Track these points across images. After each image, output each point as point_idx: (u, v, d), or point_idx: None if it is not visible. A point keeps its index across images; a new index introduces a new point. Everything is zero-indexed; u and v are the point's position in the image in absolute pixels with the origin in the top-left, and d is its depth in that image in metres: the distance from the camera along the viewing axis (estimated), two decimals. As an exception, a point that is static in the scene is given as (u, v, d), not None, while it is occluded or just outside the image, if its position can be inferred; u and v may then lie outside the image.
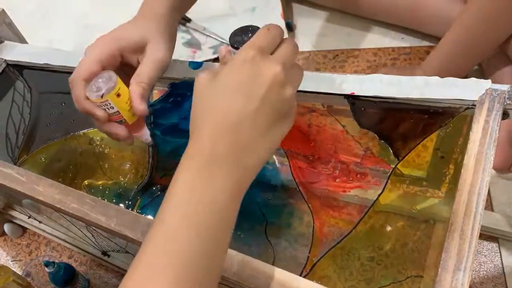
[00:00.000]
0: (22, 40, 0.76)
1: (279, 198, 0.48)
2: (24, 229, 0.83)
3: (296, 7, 1.03)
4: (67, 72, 0.67)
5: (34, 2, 1.22)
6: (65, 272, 0.70)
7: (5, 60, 0.71)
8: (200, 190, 0.37)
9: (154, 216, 0.48)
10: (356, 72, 0.89)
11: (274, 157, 0.50)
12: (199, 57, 0.98)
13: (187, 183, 0.37)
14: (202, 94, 0.40)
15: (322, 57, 0.92)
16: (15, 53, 0.72)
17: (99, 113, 0.48)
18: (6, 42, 0.73)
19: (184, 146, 0.54)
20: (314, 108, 0.52)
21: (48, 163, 0.57)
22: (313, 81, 0.53)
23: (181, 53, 1.00)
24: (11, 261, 0.81)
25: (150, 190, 0.51)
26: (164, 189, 0.51)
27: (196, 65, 0.57)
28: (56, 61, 0.67)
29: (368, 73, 0.85)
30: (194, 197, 0.37)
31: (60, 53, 0.68)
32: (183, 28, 1.04)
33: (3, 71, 0.71)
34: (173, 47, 0.52)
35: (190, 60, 0.93)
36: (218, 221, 0.37)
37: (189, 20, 1.04)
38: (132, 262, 0.36)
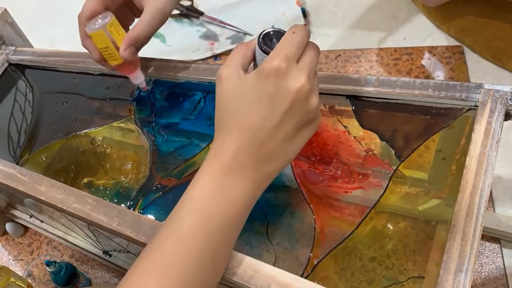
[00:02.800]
0: (24, 40, 0.76)
1: (281, 198, 0.47)
2: (26, 229, 0.83)
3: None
4: (69, 71, 0.67)
5: (36, 1, 1.22)
6: (66, 272, 0.70)
7: (8, 59, 0.71)
8: (217, 197, 0.38)
9: (155, 216, 0.48)
10: (358, 72, 0.89)
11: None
12: (218, 49, 0.98)
13: (205, 189, 0.39)
14: (228, 96, 0.40)
15: (324, 57, 0.92)
16: (17, 52, 0.72)
17: (94, 53, 0.53)
18: (8, 41, 0.74)
19: (184, 147, 0.55)
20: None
21: (50, 162, 0.57)
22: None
23: (199, 45, 0.99)
24: (13, 260, 0.81)
25: (152, 191, 0.51)
26: (164, 189, 0.51)
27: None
28: (58, 61, 0.67)
29: (371, 74, 0.87)
30: (211, 203, 0.38)
31: (62, 53, 0.68)
32: (196, 21, 1.04)
33: (5, 70, 0.71)
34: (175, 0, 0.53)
35: (209, 51, 0.97)
36: (229, 228, 0.38)
37: (201, 13, 1.03)
38: (138, 258, 0.37)
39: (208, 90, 0.57)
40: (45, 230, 0.79)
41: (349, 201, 0.46)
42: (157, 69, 0.61)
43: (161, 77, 0.61)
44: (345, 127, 0.50)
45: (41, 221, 0.79)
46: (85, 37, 0.53)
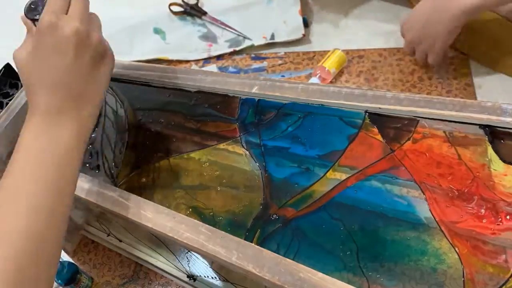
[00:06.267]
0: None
1: (418, 238, 0.43)
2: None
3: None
4: (163, 87, 0.64)
5: None
6: (68, 270, 0.70)
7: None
8: (43, 139, 0.44)
9: (275, 250, 0.45)
10: (361, 72, 0.86)
11: (406, 190, 0.46)
12: (215, 51, 0.97)
13: (31, 135, 0.44)
14: (24, 67, 0.47)
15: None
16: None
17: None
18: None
19: (299, 174, 0.51)
20: (446, 138, 0.48)
21: (151, 185, 0.54)
22: (444, 107, 0.49)
23: (197, 46, 0.99)
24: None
25: (269, 221, 0.47)
26: (283, 220, 0.47)
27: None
28: (150, 75, 0.64)
29: (373, 74, 0.83)
30: (39, 146, 0.44)
31: (156, 67, 0.66)
32: (199, 21, 1.03)
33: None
34: None
35: (206, 52, 0.97)
36: (62, 165, 0.44)
37: (204, 13, 1.02)
38: None
39: (321, 113, 0.54)
40: (123, 249, 0.76)
41: (499, 245, 0.41)
42: (262, 88, 0.58)
43: (266, 97, 0.57)
44: (489, 160, 0.45)
45: (120, 240, 0.76)
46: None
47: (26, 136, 0.44)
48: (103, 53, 0.49)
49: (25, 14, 0.50)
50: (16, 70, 0.48)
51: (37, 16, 0.48)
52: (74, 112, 0.46)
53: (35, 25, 0.49)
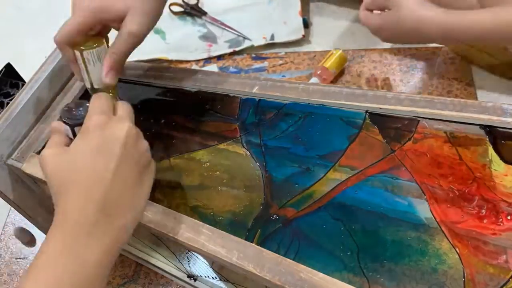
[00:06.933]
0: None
1: (417, 238, 0.43)
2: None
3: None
4: (163, 87, 0.64)
5: (40, 1, 1.19)
6: None
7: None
8: (70, 263, 0.36)
9: (276, 250, 0.45)
10: (361, 72, 0.86)
11: (406, 190, 0.46)
12: (215, 51, 0.97)
13: (55, 254, 0.37)
14: (56, 168, 0.40)
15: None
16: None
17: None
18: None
19: (299, 174, 0.51)
20: (447, 138, 0.48)
21: (152, 185, 0.54)
22: (445, 107, 0.49)
23: (197, 46, 0.99)
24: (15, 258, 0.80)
25: (270, 221, 0.47)
26: (283, 220, 0.47)
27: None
28: (150, 75, 0.65)
29: (374, 74, 0.83)
30: (62, 264, 0.36)
31: (155, 67, 0.66)
32: (199, 21, 1.04)
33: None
34: (153, 21, 0.52)
35: (206, 52, 0.97)
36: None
37: (204, 13, 1.03)
38: None
39: (321, 112, 0.54)
40: (124, 249, 0.76)
41: (500, 245, 0.41)
42: (263, 88, 0.58)
43: (266, 97, 0.57)
44: (490, 160, 0.45)
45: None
46: (73, 61, 0.52)
47: (49, 249, 0.38)
48: (148, 164, 0.44)
49: (60, 117, 0.46)
50: (45, 173, 0.42)
51: (77, 120, 0.44)
52: (111, 225, 0.39)
53: (73, 132, 0.45)
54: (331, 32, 0.95)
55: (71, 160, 0.40)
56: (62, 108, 0.47)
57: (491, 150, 0.46)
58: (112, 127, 0.41)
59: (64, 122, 0.46)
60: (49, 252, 0.37)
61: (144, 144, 0.44)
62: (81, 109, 0.46)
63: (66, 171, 0.40)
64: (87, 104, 0.45)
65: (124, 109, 0.45)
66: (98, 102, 0.43)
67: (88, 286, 0.37)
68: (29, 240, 0.82)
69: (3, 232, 0.84)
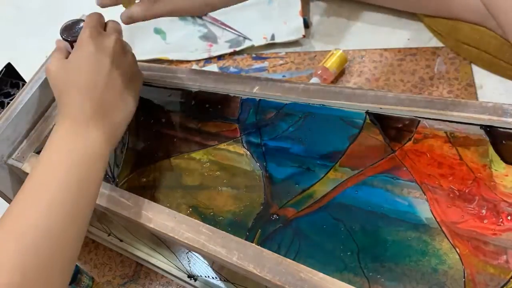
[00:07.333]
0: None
1: (418, 238, 0.43)
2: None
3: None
4: (163, 87, 0.64)
5: (40, 1, 1.19)
6: None
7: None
8: (71, 140, 0.45)
9: (276, 250, 0.45)
10: (362, 72, 0.85)
11: (407, 190, 0.46)
12: (215, 51, 0.97)
13: (59, 136, 0.45)
14: (59, 74, 0.49)
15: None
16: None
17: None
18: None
19: (299, 174, 0.51)
20: (448, 138, 0.48)
21: (152, 185, 0.54)
22: (445, 107, 0.49)
23: (198, 46, 0.99)
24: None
25: (270, 221, 0.47)
26: (284, 220, 0.47)
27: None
28: (150, 75, 0.64)
29: (375, 74, 0.83)
30: (66, 146, 0.44)
31: (155, 67, 0.66)
32: (199, 21, 1.03)
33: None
34: None
35: (206, 52, 0.96)
36: (87, 167, 0.44)
37: (205, 13, 1.02)
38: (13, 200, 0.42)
39: (321, 113, 0.54)
40: (124, 249, 0.76)
41: (500, 245, 0.41)
42: (263, 88, 0.58)
43: (267, 97, 0.57)
44: (490, 161, 0.45)
45: (120, 240, 0.76)
46: None
47: (55, 136, 0.46)
48: (135, 74, 0.53)
49: (60, 35, 0.52)
50: (49, 82, 0.50)
51: (74, 36, 0.51)
52: (105, 120, 0.47)
53: (72, 47, 0.51)
54: (332, 32, 0.95)
55: (70, 66, 0.48)
56: (61, 27, 0.53)
57: (491, 150, 0.46)
58: (102, 39, 0.49)
59: (64, 39, 0.52)
60: (55, 137, 0.45)
61: (130, 57, 0.52)
62: (78, 26, 0.52)
63: (65, 75, 0.48)
64: (83, 23, 0.51)
65: (112, 25, 0.52)
66: (91, 19, 0.50)
67: (89, 167, 0.44)
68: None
69: (3, 232, 0.84)
